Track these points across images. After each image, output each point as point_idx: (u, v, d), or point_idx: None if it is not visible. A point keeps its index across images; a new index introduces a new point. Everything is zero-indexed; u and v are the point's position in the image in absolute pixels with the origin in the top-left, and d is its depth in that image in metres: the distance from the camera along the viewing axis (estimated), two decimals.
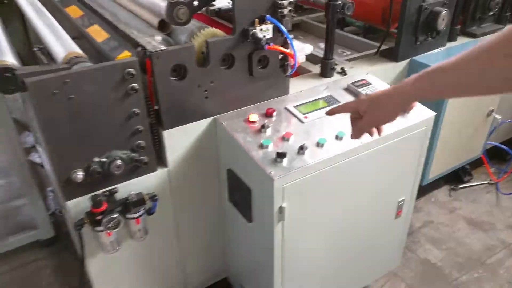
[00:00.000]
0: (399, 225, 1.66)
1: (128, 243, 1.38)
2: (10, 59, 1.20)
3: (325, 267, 1.53)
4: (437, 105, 1.68)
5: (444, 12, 1.68)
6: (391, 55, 1.75)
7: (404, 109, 1.02)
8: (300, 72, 1.66)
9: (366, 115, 1.01)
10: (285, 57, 1.39)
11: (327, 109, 1.15)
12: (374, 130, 1.05)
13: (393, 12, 1.68)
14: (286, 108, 1.41)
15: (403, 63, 1.76)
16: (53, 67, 1.15)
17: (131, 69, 1.14)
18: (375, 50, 1.81)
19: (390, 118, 1.00)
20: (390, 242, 1.70)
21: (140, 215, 1.31)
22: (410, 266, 2.04)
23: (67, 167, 1.18)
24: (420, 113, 1.43)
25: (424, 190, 2.33)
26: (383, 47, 1.79)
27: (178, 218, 1.48)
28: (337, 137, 1.29)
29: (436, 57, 1.78)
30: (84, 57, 1.22)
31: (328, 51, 1.57)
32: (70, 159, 1.17)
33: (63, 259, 2.11)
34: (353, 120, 1.05)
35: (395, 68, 1.75)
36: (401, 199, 1.57)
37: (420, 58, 1.77)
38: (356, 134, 1.07)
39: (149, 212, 1.35)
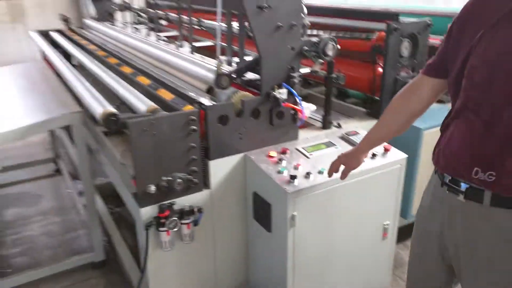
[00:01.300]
0: (386, 246, 2.10)
1: (179, 245, 1.86)
2: (111, 108, 1.79)
3: (326, 273, 1.96)
4: (412, 150, 2.19)
5: None
6: (376, 114, 2.31)
7: (362, 157, 1.62)
8: (307, 126, 2.22)
9: (346, 166, 1.63)
10: (296, 112, 1.96)
11: (328, 150, 1.85)
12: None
13: (377, 83, 2.27)
14: (296, 148, 1.95)
15: None
16: (143, 114, 1.73)
17: (193, 116, 1.71)
18: (365, 111, 2.38)
19: (358, 165, 1.63)
20: (379, 260, 2.12)
21: (190, 222, 1.81)
22: None
23: (145, 182, 1.71)
24: (394, 155, 1.95)
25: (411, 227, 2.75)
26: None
27: (215, 231, 1.97)
28: None
29: None
30: (159, 109, 1.80)
31: (328, 109, 2.15)
32: (147, 176, 1.70)
33: (112, 279, 2.52)
34: (335, 169, 1.66)
35: None
36: (386, 223, 2.03)
37: None
38: (331, 173, 1.69)
39: (196, 222, 1.86)
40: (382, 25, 2.19)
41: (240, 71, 1.93)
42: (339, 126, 2.19)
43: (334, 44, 1.91)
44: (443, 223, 1.34)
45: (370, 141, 1.58)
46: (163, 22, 4.05)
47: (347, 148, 1.96)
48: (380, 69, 2.27)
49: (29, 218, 3.14)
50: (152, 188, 1.71)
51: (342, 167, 1.64)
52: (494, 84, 1.10)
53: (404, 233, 2.22)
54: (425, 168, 2.27)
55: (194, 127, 1.73)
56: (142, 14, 3.83)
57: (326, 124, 2.17)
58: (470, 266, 1.30)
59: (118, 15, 3.98)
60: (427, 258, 1.46)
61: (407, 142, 2.16)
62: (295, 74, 1.89)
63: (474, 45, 1.13)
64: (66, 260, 2.56)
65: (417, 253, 1.54)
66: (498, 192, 1.16)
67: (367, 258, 2.06)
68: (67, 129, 4.09)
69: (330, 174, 1.68)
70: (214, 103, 1.83)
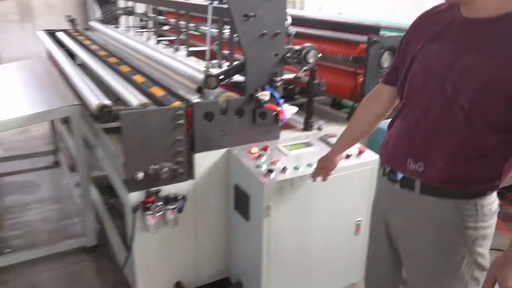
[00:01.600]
0: (358, 241, 2.25)
1: (164, 229, 2.01)
2: (106, 101, 1.96)
3: (301, 264, 2.11)
4: None
5: None
6: None
7: (336, 159, 1.78)
8: (290, 127, 2.39)
9: (324, 168, 1.80)
10: (278, 113, 2.12)
11: (306, 149, 2.04)
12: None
13: (358, 90, 2.43)
14: (276, 147, 2.11)
15: None
16: (134, 107, 1.90)
17: (180, 111, 1.88)
18: (346, 116, 2.54)
19: (334, 166, 1.80)
20: (352, 254, 2.25)
21: (174, 208, 1.97)
22: None
23: (134, 169, 1.87)
24: (368, 156, 2.11)
25: None
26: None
27: (197, 219, 2.13)
28: (308, 165, 1.96)
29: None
30: (151, 103, 1.97)
31: (309, 112, 2.31)
32: (136, 164, 1.86)
33: (103, 263, 2.67)
34: (317, 172, 1.83)
35: None
36: (358, 219, 2.18)
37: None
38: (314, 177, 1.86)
39: (180, 210, 2.01)
40: (364, 38, 2.35)
41: (227, 73, 2.10)
42: (319, 128, 2.35)
43: (315, 51, 2.08)
44: (387, 210, 1.51)
45: (341, 143, 1.76)
46: (165, 27, 4.25)
47: (324, 148, 2.13)
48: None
49: (28, 205, 3.31)
50: (140, 175, 1.87)
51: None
52: (426, 87, 1.29)
53: None
54: None
55: (181, 121, 1.90)
56: (144, 18, 4.03)
57: (307, 126, 2.33)
58: (407, 250, 1.46)
59: (123, 19, 4.17)
60: (378, 244, 1.62)
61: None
62: (278, 78, 2.05)
63: (415, 55, 1.33)
64: (60, 243, 2.72)
65: (370, 239, 1.72)
66: (426, 181, 1.32)
67: (341, 252, 2.20)
68: (67, 123, 4.28)
69: (313, 179, 1.86)
70: (201, 100, 1.99)
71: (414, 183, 1.35)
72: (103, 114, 1.90)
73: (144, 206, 1.90)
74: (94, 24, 4.21)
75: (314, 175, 1.84)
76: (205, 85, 2.03)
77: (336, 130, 2.31)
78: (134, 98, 2.06)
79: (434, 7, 1.38)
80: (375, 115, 1.61)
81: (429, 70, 1.28)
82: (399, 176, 1.40)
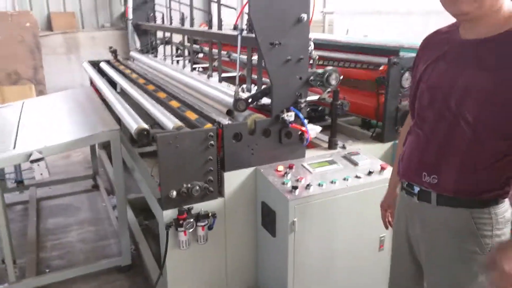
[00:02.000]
0: (383, 257, 2.26)
1: (194, 246, 2.12)
2: (144, 125, 2.13)
3: (326, 279, 2.15)
4: None
5: None
6: (380, 138, 2.54)
7: (394, 196, 1.74)
8: (315, 146, 2.48)
9: (390, 207, 1.81)
10: (302, 133, 2.22)
11: (330, 167, 2.14)
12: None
13: (380, 109, 2.50)
14: (302, 164, 2.20)
15: (388, 144, 2.53)
16: (170, 130, 2.05)
17: (211, 133, 2.01)
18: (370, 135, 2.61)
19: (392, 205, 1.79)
20: (376, 270, 2.27)
21: (205, 225, 2.07)
22: None
23: (168, 188, 2.00)
24: (389, 172, 2.14)
25: None
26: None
27: (227, 235, 2.22)
28: (332, 182, 2.04)
29: None
30: (184, 126, 2.12)
31: (333, 132, 2.40)
32: (170, 183, 2.00)
33: (137, 281, 2.79)
34: (385, 217, 1.85)
35: (382, 147, 2.52)
36: (382, 235, 2.22)
37: None
38: (386, 226, 1.87)
39: (210, 227, 2.12)
40: (385, 60, 2.44)
41: (255, 97, 2.23)
42: (343, 147, 2.42)
43: (337, 74, 2.19)
44: (407, 222, 1.56)
45: (394, 179, 1.78)
46: (201, 55, 4.49)
47: (348, 165, 2.20)
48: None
49: (68, 226, 3.50)
50: (174, 193, 2.00)
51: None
52: (433, 104, 1.37)
53: None
54: None
55: (212, 142, 2.03)
56: (180, 47, 4.28)
57: (331, 145, 2.41)
58: (427, 261, 1.50)
59: (161, 48, 4.44)
60: (401, 258, 1.66)
61: None
62: (302, 100, 2.16)
63: (421, 74, 1.43)
64: (97, 262, 2.87)
65: (393, 253, 1.75)
66: (441, 193, 1.38)
67: (365, 268, 2.23)
68: (106, 148, 4.53)
69: (388, 227, 1.87)
70: (231, 122, 2.13)
71: (430, 195, 1.41)
72: (142, 137, 2.06)
73: (176, 223, 2.02)
74: (134, 54, 4.50)
75: (384, 221, 1.87)
76: (235, 108, 2.16)
77: (359, 148, 2.39)
78: (169, 121, 2.22)
79: (436, 31, 1.48)
80: None
81: (434, 88, 1.37)
82: (416, 189, 1.46)
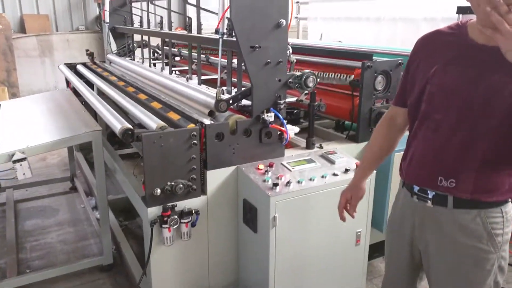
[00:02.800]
0: (360, 251, 2.40)
1: (178, 242, 2.18)
2: (128, 125, 2.18)
3: (305, 273, 2.25)
4: (385, 170, 2.51)
5: None
6: (355, 139, 2.67)
7: (362, 185, 1.80)
8: (293, 146, 2.58)
9: (352, 197, 1.80)
10: (282, 133, 2.32)
11: (308, 165, 2.22)
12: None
13: (355, 111, 2.63)
14: (281, 163, 2.30)
15: (362, 144, 2.65)
16: (153, 130, 2.11)
17: (194, 132, 2.09)
18: (344, 136, 2.74)
19: (362, 193, 1.81)
20: (353, 264, 2.41)
21: (188, 221, 2.14)
22: None
23: (152, 186, 2.06)
24: None
25: None
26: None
27: (209, 232, 2.29)
28: (310, 179, 2.15)
29: None
30: (167, 126, 2.19)
31: (311, 132, 2.51)
32: (154, 181, 2.06)
33: (119, 280, 2.82)
34: (342, 207, 1.83)
35: (357, 147, 2.65)
36: (359, 230, 2.34)
37: None
38: (342, 216, 1.85)
39: (193, 224, 2.19)
40: (359, 63, 2.58)
41: (235, 98, 2.32)
42: (320, 147, 2.54)
43: (314, 77, 2.30)
44: (414, 228, 1.56)
45: (363, 168, 1.79)
46: (177, 58, 4.54)
47: (325, 164, 2.32)
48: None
49: (47, 228, 3.50)
50: (158, 191, 2.06)
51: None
52: (451, 109, 1.36)
53: (382, 247, 2.49)
54: (396, 185, 2.58)
55: (195, 141, 2.10)
56: (158, 50, 4.32)
57: (309, 145, 2.53)
58: (437, 264, 1.53)
59: (138, 51, 4.47)
60: (400, 259, 1.68)
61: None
62: (281, 101, 2.26)
63: (429, 76, 1.41)
64: (78, 262, 2.88)
65: (390, 256, 1.79)
66: (459, 196, 1.40)
67: (342, 262, 2.35)
68: (83, 152, 4.52)
69: (342, 218, 1.85)
70: (213, 122, 2.21)
71: (447, 199, 1.42)
72: (126, 137, 2.11)
73: (161, 220, 2.08)
74: (110, 56, 4.51)
75: (340, 211, 1.84)
76: (217, 108, 2.25)
77: (335, 147, 2.51)
78: (152, 122, 2.28)
79: (437, 31, 1.46)
80: (394, 135, 1.69)
81: (450, 93, 1.36)
82: (431, 194, 1.46)
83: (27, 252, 3.14)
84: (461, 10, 3.44)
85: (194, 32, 2.97)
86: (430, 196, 1.46)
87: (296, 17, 7.13)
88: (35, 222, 3.59)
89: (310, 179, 2.15)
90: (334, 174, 2.21)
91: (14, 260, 2.92)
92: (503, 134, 1.31)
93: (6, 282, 2.60)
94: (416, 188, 1.51)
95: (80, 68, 4.30)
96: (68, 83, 4.31)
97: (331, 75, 2.79)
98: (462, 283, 1.49)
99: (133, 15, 4.42)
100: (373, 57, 2.61)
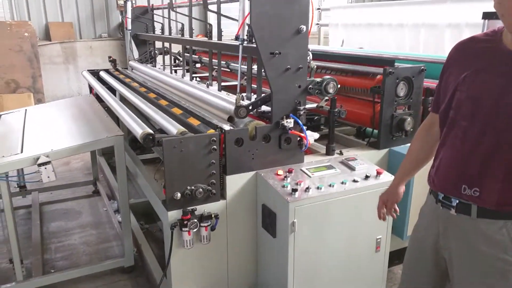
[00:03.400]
0: (380, 258, 2.37)
1: (198, 246, 2.21)
2: (148, 130, 2.23)
3: (324, 279, 2.24)
4: None
5: (409, 118, 2.60)
6: (376, 145, 2.65)
7: (399, 190, 1.82)
8: (313, 152, 2.58)
9: (388, 201, 1.85)
10: (301, 139, 2.33)
11: (328, 171, 2.22)
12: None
13: (376, 118, 2.62)
14: (301, 169, 2.30)
15: (384, 151, 2.64)
16: (174, 135, 2.15)
17: (214, 138, 2.12)
18: (365, 143, 2.72)
19: (398, 198, 1.83)
20: (373, 271, 2.38)
21: (208, 225, 2.17)
22: None
23: (173, 190, 2.09)
24: (386, 177, 2.27)
25: None
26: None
27: (228, 236, 2.31)
28: (330, 185, 2.15)
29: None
30: (187, 131, 2.22)
31: (331, 138, 2.51)
32: (175, 185, 2.09)
33: (140, 282, 2.86)
34: (380, 209, 1.88)
35: (378, 154, 2.63)
36: (379, 237, 2.32)
37: (396, 148, 2.64)
38: (381, 216, 1.89)
39: (212, 228, 2.21)
40: (381, 70, 2.57)
41: (255, 104, 2.34)
42: (340, 153, 2.53)
43: (334, 83, 2.31)
44: (438, 235, 1.54)
45: (401, 174, 1.79)
46: (198, 65, 4.61)
47: (345, 170, 2.31)
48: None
49: (70, 230, 3.58)
50: (178, 195, 2.10)
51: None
52: (477, 117, 1.35)
53: (403, 254, 2.46)
54: (418, 192, 2.54)
55: (215, 147, 2.13)
56: (179, 57, 4.39)
57: (329, 151, 2.52)
58: (460, 273, 1.50)
59: (159, 58, 4.55)
60: (423, 268, 1.65)
61: None
62: (301, 107, 2.27)
63: (459, 83, 1.40)
64: (100, 263, 2.94)
65: (412, 263, 1.74)
66: (482, 205, 1.37)
67: (362, 269, 2.33)
68: (106, 156, 4.61)
69: (381, 218, 1.90)
70: (232, 128, 2.23)
71: (471, 207, 1.40)
72: (147, 142, 2.15)
73: (181, 223, 2.10)
74: (133, 63, 4.61)
75: (379, 213, 1.88)
76: (236, 114, 2.27)
77: (356, 154, 2.50)
78: (173, 127, 2.32)
79: (472, 38, 1.45)
80: (432, 141, 1.66)
81: (477, 100, 1.34)
82: (455, 202, 1.44)
83: (51, 253, 3.22)
84: (487, 16, 3.36)
85: (214, 39, 3.02)
86: (453, 204, 1.45)
87: (317, 24, 7.13)
88: (59, 224, 3.68)
89: (330, 185, 2.15)
90: (354, 181, 2.20)
91: (39, 261, 2.99)
92: None
93: (31, 281, 2.67)
94: (440, 196, 1.50)
95: (102, 74, 4.41)
96: (91, 89, 4.41)
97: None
98: None
99: (155, 22, 4.51)
100: (395, 63, 2.59)
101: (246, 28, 2.41)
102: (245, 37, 2.41)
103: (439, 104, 1.53)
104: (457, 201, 1.43)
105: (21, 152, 2.56)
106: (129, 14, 4.77)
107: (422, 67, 2.62)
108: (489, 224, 1.38)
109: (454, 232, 1.48)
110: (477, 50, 1.40)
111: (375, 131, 2.70)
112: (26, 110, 3.74)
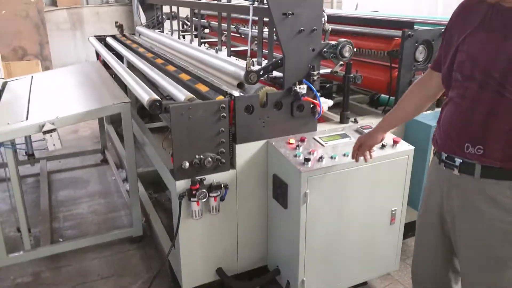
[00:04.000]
0: (394, 230, 2.30)
1: (207, 216, 2.15)
2: (155, 96, 2.13)
3: (337, 252, 2.18)
4: (423, 145, 2.37)
5: None
6: None
7: (379, 136, 1.85)
8: (326, 120, 2.47)
9: (363, 144, 1.86)
10: (315, 106, 2.22)
11: (342, 140, 2.14)
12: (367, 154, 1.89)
13: (393, 84, 2.48)
14: (314, 138, 2.20)
15: None
16: (182, 102, 2.05)
17: (223, 104, 2.01)
18: (380, 112, 2.60)
19: (374, 142, 1.86)
20: (387, 244, 2.31)
21: (217, 195, 2.10)
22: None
23: (181, 159, 2.01)
24: (403, 146, 2.16)
25: None
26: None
27: (238, 207, 2.25)
28: (344, 155, 2.05)
29: (426, 116, 2.48)
30: (196, 98, 2.12)
31: (345, 106, 2.39)
32: (183, 154, 2.01)
33: (148, 252, 2.85)
34: (355, 149, 1.90)
35: None
36: (394, 208, 2.23)
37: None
38: (354, 156, 1.92)
39: (222, 198, 2.14)
40: (399, 33, 2.41)
41: (266, 69, 2.22)
42: (355, 121, 2.42)
43: (350, 46, 2.17)
44: (442, 196, 1.54)
45: (388, 121, 1.83)
46: (207, 30, 4.45)
47: None
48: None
49: (79, 199, 3.56)
50: (186, 164, 2.02)
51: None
52: (475, 75, 1.35)
53: None
54: None
55: (224, 114, 2.03)
56: (187, 22, 4.23)
57: (343, 119, 2.41)
58: (464, 235, 1.49)
59: (167, 24, 4.40)
60: (430, 232, 1.65)
61: (418, 139, 2.37)
62: (315, 72, 2.15)
63: (459, 44, 1.41)
64: (109, 233, 2.92)
65: (420, 228, 1.75)
66: (487, 164, 1.36)
67: (376, 241, 2.26)
68: (114, 124, 4.55)
69: (354, 158, 1.93)
70: (242, 94, 2.12)
71: (474, 167, 1.39)
72: (154, 108, 2.06)
73: (190, 193, 2.04)
74: (140, 29, 4.46)
75: (354, 152, 1.92)
76: (246, 80, 2.16)
77: (371, 122, 2.38)
78: (181, 94, 2.21)
79: (468, 1, 1.45)
80: (424, 98, 1.71)
81: (476, 59, 1.35)
82: (458, 161, 1.44)
83: (60, 222, 3.21)
84: None
85: (223, 0, 2.87)
86: (457, 164, 1.44)
87: None
88: (67, 193, 3.66)
89: (344, 155, 2.05)
90: None
91: (48, 229, 2.98)
92: None
93: (40, 250, 2.67)
94: (444, 156, 1.49)
95: (109, 40, 4.28)
96: (98, 55, 4.30)
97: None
98: (491, 258, 1.44)
99: None
100: (414, 26, 2.43)
101: None
102: None
103: (440, 62, 1.54)
104: (461, 161, 1.42)
105: (27, 119, 2.49)
106: None
107: (442, 30, 2.45)
108: (493, 185, 1.37)
109: (457, 193, 1.47)
110: (475, 9, 1.40)
111: (391, 98, 2.56)
112: (32, 77, 3.66)
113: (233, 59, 2.66)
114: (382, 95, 2.93)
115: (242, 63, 2.34)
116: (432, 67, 1.64)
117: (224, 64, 2.47)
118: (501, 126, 1.32)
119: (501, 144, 1.33)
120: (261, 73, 2.20)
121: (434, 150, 1.60)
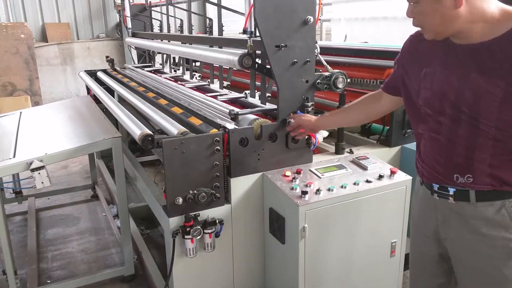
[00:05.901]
0: (395, 263, 2.23)
1: (201, 253, 2.06)
2: (147, 131, 2.08)
3: (336, 286, 2.10)
4: None
5: None
6: (387, 143, 2.51)
7: (317, 124, 2.01)
8: (321, 151, 2.44)
9: (306, 129, 2.03)
10: (310, 137, 2.19)
11: (339, 171, 2.09)
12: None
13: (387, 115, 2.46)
14: (310, 169, 2.16)
15: (396, 149, 2.49)
16: (175, 136, 2.01)
17: (217, 138, 1.97)
18: (375, 142, 2.58)
19: (307, 124, 2.01)
20: (388, 277, 2.24)
21: (212, 232, 2.02)
22: None
23: (174, 194, 1.95)
24: (400, 177, 2.13)
25: None
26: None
27: (234, 242, 2.17)
28: (342, 186, 2.00)
29: None
30: (189, 132, 2.08)
31: (340, 136, 2.36)
32: (176, 190, 1.95)
33: None
34: (294, 126, 2.05)
35: (390, 152, 2.48)
36: (394, 240, 2.17)
37: (408, 145, 2.50)
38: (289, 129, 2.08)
39: (217, 234, 2.07)
40: (390, 63, 2.42)
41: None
42: (351, 152, 2.39)
43: (344, 77, 2.16)
44: (438, 224, 1.54)
45: (329, 120, 2.02)
46: (198, 63, 4.47)
47: (357, 170, 2.17)
48: None
49: (68, 237, 3.44)
50: (180, 200, 1.95)
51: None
52: (446, 111, 1.38)
53: None
54: None
55: (218, 147, 1.99)
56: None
57: (338, 150, 2.38)
58: (465, 258, 1.48)
59: (158, 57, 4.42)
60: (428, 259, 1.64)
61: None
62: (309, 104, 2.13)
63: (421, 81, 1.45)
64: (100, 272, 2.80)
65: (416, 257, 1.72)
66: (479, 189, 1.39)
67: (376, 274, 2.18)
68: (105, 159, 4.48)
69: (288, 130, 2.08)
70: (236, 127, 2.09)
71: (469, 193, 1.41)
72: (146, 143, 2.01)
73: (183, 230, 1.96)
74: (131, 63, 4.46)
75: (290, 128, 2.07)
76: (241, 64, 2.16)
77: (367, 152, 2.36)
78: (173, 128, 2.17)
79: (420, 32, 1.45)
80: (372, 114, 1.87)
81: (443, 95, 1.38)
82: (452, 190, 1.45)
83: (48, 262, 3.08)
84: None
85: (215, 34, 2.88)
86: (451, 193, 1.45)
87: (319, 19, 6.99)
88: (56, 231, 3.54)
89: (342, 187, 2.00)
90: (367, 181, 2.05)
91: (35, 271, 2.85)
92: (502, 130, 1.29)
93: None
94: (435, 186, 1.50)
95: (100, 74, 4.27)
96: (88, 90, 4.28)
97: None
98: (496, 277, 1.42)
99: (153, 20, 4.37)
100: None
101: (253, 20, 2.26)
102: (253, 29, 2.26)
103: (394, 87, 1.65)
104: (454, 189, 1.44)
105: (14, 156, 2.42)
106: (127, 12, 4.63)
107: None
108: (488, 207, 1.39)
109: (454, 220, 1.48)
110: (427, 43, 1.42)
111: (386, 127, 2.55)
112: (21, 112, 3.60)
113: (225, 91, 2.65)
114: (374, 124, 2.92)
115: (236, 50, 2.33)
116: (383, 89, 1.73)
117: (216, 54, 2.45)
118: (483, 155, 1.35)
119: (487, 170, 1.36)
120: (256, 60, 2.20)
121: (420, 180, 1.61)
